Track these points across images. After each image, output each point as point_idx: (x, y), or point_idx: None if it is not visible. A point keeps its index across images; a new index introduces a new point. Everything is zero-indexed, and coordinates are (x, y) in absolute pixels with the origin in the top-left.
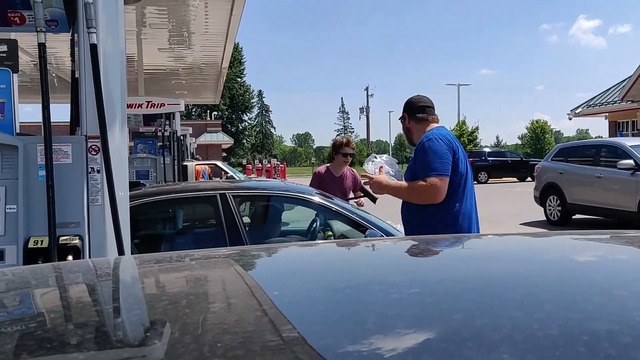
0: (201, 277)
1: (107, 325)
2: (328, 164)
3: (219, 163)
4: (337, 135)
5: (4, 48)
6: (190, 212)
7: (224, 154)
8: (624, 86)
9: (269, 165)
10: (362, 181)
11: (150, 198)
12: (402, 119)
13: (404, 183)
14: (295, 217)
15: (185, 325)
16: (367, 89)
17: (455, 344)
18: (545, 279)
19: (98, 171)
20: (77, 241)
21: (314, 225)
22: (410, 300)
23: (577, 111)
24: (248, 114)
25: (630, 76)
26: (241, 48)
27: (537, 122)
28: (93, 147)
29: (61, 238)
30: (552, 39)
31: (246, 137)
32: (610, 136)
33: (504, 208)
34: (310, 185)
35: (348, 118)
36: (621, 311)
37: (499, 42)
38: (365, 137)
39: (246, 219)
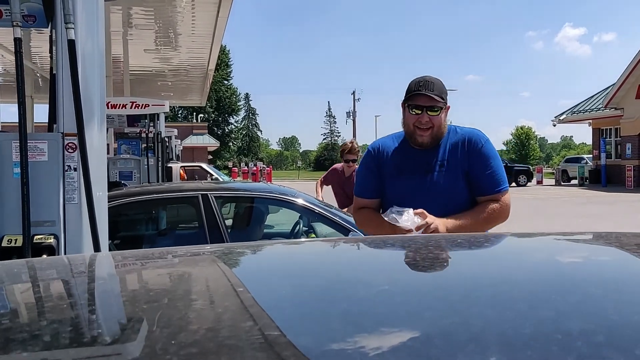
0: (177, 273)
1: (80, 323)
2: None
3: (204, 165)
4: (324, 139)
5: None
6: (172, 213)
7: (210, 157)
8: (607, 93)
9: (255, 169)
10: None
11: (131, 198)
12: (441, 109)
13: (470, 216)
14: (278, 219)
15: (160, 321)
16: (354, 93)
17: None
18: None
19: (75, 169)
20: (52, 240)
21: (297, 228)
22: (389, 299)
23: (561, 117)
24: (234, 116)
25: (614, 84)
26: (228, 51)
27: (522, 128)
28: (70, 144)
29: (36, 237)
30: (538, 46)
31: (232, 140)
32: (593, 143)
33: None
34: (324, 177)
35: (335, 122)
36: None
37: (485, 48)
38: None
39: (229, 222)
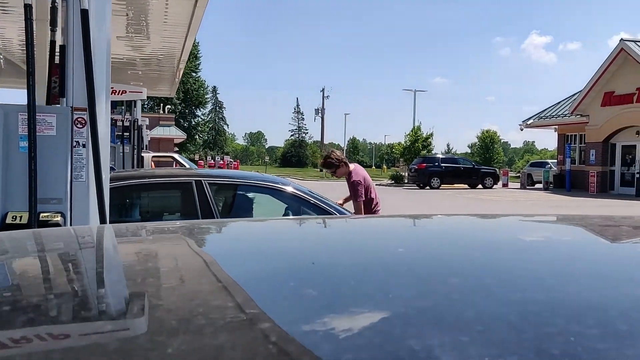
0: (178, 247)
1: (83, 293)
2: None
3: (176, 156)
4: (291, 135)
5: None
6: (165, 198)
7: (176, 149)
8: (574, 100)
9: (221, 162)
10: None
11: (122, 182)
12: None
13: None
14: (269, 208)
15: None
16: (323, 90)
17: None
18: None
19: (84, 145)
20: (58, 218)
21: (288, 216)
22: (371, 277)
23: (528, 122)
24: (201, 109)
25: (581, 91)
26: (197, 42)
27: (487, 132)
28: (79, 119)
29: (42, 214)
30: (505, 52)
31: (199, 133)
32: (559, 148)
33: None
34: None
35: (303, 119)
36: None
37: (453, 52)
38: (320, 138)
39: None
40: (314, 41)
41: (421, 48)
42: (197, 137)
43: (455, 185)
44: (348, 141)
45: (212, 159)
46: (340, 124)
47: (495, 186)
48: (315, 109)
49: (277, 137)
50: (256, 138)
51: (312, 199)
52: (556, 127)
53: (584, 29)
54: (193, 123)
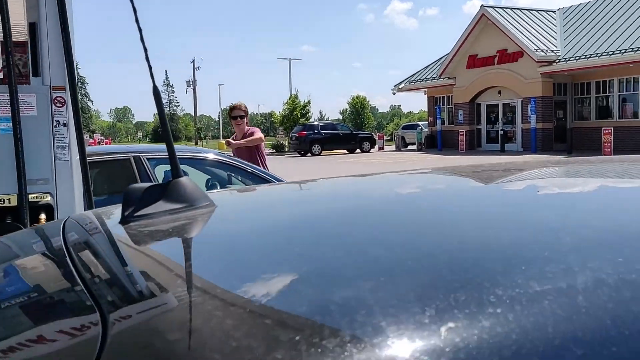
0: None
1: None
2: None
3: None
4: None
5: None
6: (102, 178)
7: None
8: (442, 63)
9: (92, 141)
10: None
11: None
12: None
13: None
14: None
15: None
16: (193, 61)
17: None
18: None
19: (64, 124)
20: (48, 199)
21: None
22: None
23: (400, 86)
24: None
25: (448, 54)
26: None
27: (357, 97)
28: (58, 98)
29: (30, 196)
30: (369, 18)
31: None
32: (429, 110)
33: None
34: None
35: (173, 91)
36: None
37: (319, 19)
38: (192, 110)
39: None
40: (181, 12)
41: (288, 17)
42: None
43: (335, 151)
44: (221, 111)
45: None
46: (213, 95)
47: (372, 150)
48: (187, 81)
49: (145, 112)
50: (122, 114)
51: (249, 167)
52: (426, 89)
53: None
54: None
